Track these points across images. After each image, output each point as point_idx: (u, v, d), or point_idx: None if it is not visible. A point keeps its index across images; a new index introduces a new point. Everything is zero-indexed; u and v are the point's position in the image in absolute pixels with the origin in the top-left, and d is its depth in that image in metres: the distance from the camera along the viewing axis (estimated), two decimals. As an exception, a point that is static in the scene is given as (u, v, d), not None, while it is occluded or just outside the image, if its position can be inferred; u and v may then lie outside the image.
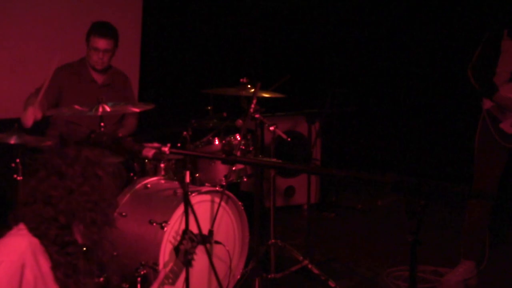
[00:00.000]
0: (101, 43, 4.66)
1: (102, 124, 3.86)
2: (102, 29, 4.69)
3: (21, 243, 2.32)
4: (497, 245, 4.71)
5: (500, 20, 4.40)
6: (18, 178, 3.97)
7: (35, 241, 2.34)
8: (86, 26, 5.61)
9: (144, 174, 4.51)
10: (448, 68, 6.57)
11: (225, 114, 4.23)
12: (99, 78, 4.82)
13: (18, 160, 3.95)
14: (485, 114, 4.39)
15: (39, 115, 4.33)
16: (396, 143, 7.05)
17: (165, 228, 3.87)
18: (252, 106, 4.09)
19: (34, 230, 2.34)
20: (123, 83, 4.97)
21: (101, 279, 2.62)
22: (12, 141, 3.86)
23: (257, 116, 4.16)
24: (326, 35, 6.93)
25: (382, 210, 6.44)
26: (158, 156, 2.17)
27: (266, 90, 4.52)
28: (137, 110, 3.90)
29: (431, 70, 6.80)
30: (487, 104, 4.40)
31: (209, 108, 4.83)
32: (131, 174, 4.48)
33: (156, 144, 2.23)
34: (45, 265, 2.35)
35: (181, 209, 3.93)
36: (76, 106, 3.99)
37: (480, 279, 4.55)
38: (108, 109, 3.86)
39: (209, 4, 6.37)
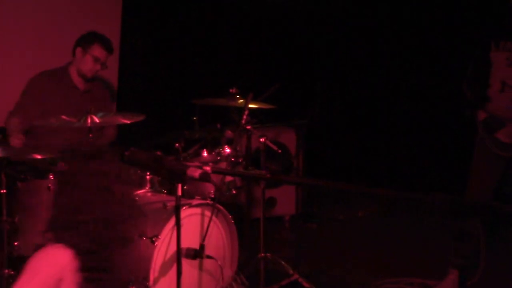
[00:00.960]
0: (103, 54, 4.67)
1: (90, 135, 3.75)
2: (108, 42, 4.73)
3: (63, 257, 2.28)
4: (491, 257, 4.69)
5: (486, 33, 4.44)
6: (1, 191, 3.84)
7: (73, 253, 2.30)
8: (64, 33, 5.57)
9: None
10: (435, 78, 6.60)
11: (218, 125, 4.15)
12: (81, 85, 4.78)
13: (1, 173, 3.82)
14: (480, 125, 4.40)
15: (22, 138, 4.39)
16: (381, 153, 7.03)
17: (156, 243, 3.78)
18: (244, 117, 4.03)
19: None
20: (102, 90, 4.98)
21: None
22: (-1, 154, 3.73)
23: (248, 127, 4.09)
24: (313, 45, 6.91)
25: (363, 221, 6.42)
26: (204, 176, 2.08)
27: (255, 101, 4.46)
28: (127, 121, 3.80)
29: (418, 81, 6.83)
30: (481, 115, 4.41)
31: (194, 118, 4.75)
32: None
33: (196, 163, 2.13)
34: (78, 280, 2.31)
35: (171, 222, 3.85)
36: (63, 116, 3.89)
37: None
38: (97, 120, 3.75)
39: (194, 13, 6.29)
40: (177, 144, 3.77)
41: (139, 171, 3.98)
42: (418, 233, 5.85)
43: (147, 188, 4.31)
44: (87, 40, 4.71)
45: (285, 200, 6.18)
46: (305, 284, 4.37)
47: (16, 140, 4.34)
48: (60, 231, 2.37)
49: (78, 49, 4.71)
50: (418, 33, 6.73)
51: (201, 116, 4.77)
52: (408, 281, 4.74)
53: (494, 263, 4.67)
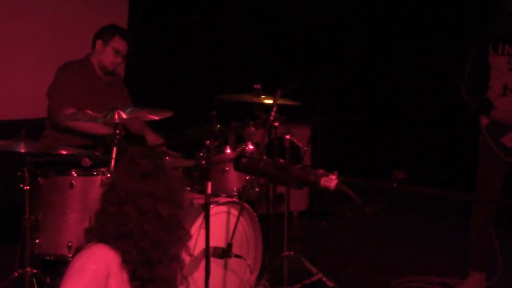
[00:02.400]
0: (125, 47, 4.58)
1: (117, 131, 3.65)
2: (129, 35, 4.66)
3: (107, 253, 2.25)
4: (509, 257, 4.67)
5: (484, 37, 4.43)
6: (25, 187, 3.74)
7: (118, 254, 2.25)
8: (71, 27, 5.48)
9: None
10: (438, 77, 6.61)
11: (251, 123, 4.06)
12: (103, 76, 4.69)
13: (25, 169, 3.71)
14: (484, 130, 4.37)
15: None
16: (387, 150, 7.03)
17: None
18: (272, 113, 3.95)
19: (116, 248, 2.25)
20: (121, 84, 4.89)
21: None
22: (21, 149, 3.62)
23: (276, 124, 4.02)
24: (326, 41, 6.89)
25: (371, 218, 6.38)
26: (340, 187, 1.99)
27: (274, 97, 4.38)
28: (156, 118, 3.71)
29: (420, 81, 6.85)
30: (484, 120, 4.38)
31: (213, 114, 4.65)
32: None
33: (321, 171, 2.04)
34: (125, 277, 2.26)
35: (199, 221, 3.78)
36: (89, 111, 3.78)
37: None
38: (124, 116, 3.65)
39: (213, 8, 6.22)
40: (207, 142, 3.68)
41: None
42: (426, 230, 5.84)
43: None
44: (108, 32, 4.61)
45: (293, 197, 6.12)
46: (329, 283, 4.31)
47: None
48: (109, 239, 2.30)
49: (99, 42, 4.60)
50: (423, 36, 6.77)
51: (219, 112, 4.70)
52: (428, 280, 4.71)
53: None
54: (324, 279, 4.31)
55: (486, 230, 4.47)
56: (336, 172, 2.04)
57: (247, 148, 4.30)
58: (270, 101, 4.36)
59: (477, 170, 4.50)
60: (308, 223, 6.03)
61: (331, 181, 2.00)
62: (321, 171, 2.05)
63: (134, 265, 2.30)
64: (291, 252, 4.37)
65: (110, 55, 4.59)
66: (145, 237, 2.30)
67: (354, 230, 6.06)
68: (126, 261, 2.30)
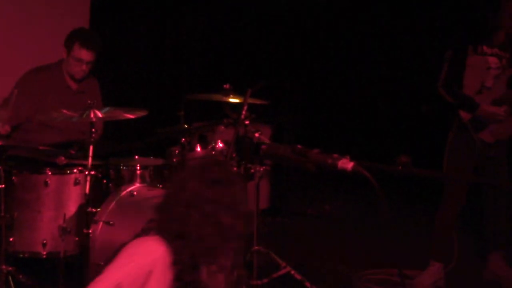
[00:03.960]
0: (86, 55, 4.40)
1: (93, 130, 3.72)
2: (89, 40, 4.42)
3: (157, 249, 2.30)
4: (465, 247, 4.91)
5: (463, 37, 4.64)
6: (0, 186, 3.77)
7: (169, 250, 2.29)
8: (35, 26, 5.47)
9: (119, 181, 4.40)
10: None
11: (225, 121, 4.17)
12: (73, 85, 4.58)
13: (0, 167, 3.75)
14: (467, 124, 4.58)
15: (8, 129, 4.14)
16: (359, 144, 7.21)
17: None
18: (243, 112, 4.07)
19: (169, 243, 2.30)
20: (95, 89, 4.75)
21: None
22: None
23: (247, 122, 4.15)
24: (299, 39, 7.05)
25: (330, 215, 6.57)
26: (357, 169, 2.10)
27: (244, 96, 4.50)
28: (132, 116, 3.78)
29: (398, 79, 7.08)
30: (465, 116, 4.60)
31: (180, 113, 4.75)
32: (104, 181, 4.36)
33: (336, 155, 2.16)
34: (168, 278, 2.30)
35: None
36: (65, 111, 3.83)
37: (448, 279, 4.74)
38: (100, 115, 3.72)
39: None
40: (183, 139, 3.78)
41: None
42: (397, 225, 6.05)
43: (137, 183, 4.33)
44: (69, 40, 4.45)
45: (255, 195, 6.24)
46: (297, 276, 4.45)
47: (5, 127, 4.08)
48: (168, 236, 2.35)
49: (64, 50, 4.47)
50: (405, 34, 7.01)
51: (186, 112, 4.79)
52: (389, 272, 4.90)
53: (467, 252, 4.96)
54: (292, 272, 4.45)
55: (451, 224, 4.68)
56: (348, 156, 2.17)
57: (216, 146, 4.41)
58: (236, 100, 4.50)
59: (445, 163, 4.68)
60: (271, 220, 6.16)
61: (348, 163, 2.12)
62: (335, 155, 2.18)
63: (182, 266, 2.32)
64: (260, 247, 4.50)
65: (74, 65, 4.44)
66: (200, 242, 2.31)
67: (314, 227, 6.23)
68: (176, 262, 2.32)
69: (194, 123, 4.65)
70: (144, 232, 2.42)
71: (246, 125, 4.17)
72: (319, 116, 6.90)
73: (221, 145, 4.42)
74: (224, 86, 4.40)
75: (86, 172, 3.64)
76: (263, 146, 2.32)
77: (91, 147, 3.69)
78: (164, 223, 2.36)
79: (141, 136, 4.90)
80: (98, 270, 3.81)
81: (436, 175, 1.94)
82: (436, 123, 5.19)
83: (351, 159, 2.15)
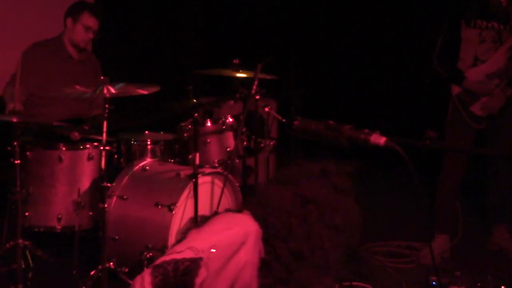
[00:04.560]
0: (94, 23, 4.61)
1: (107, 106, 3.75)
2: (97, 9, 4.65)
3: (252, 224, 2.37)
4: (468, 219, 4.99)
5: (457, 10, 4.66)
6: (16, 161, 3.81)
7: (260, 231, 2.36)
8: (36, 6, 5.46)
9: (130, 156, 4.45)
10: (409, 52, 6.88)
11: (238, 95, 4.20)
12: (75, 54, 4.75)
13: (15, 143, 3.79)
14: (455, 99, 4.65)
15: (20, 108, 4.19)
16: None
17: (174, 211, 3.85)
18: (254, 87, 4.10)
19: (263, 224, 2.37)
20: (94, 60, 4.94)
21: None
22: (13, 119, 3.69)
23: (257, 97, 4.19)
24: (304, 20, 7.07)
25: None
26: (389, 144, 2.15)
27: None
28: (145, 92, 3.82)
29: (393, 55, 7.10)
30: (456, 89, 4.66)
31: (189, 88, 4.77)
32: (115, 157, 4.41)
33: (367, 131, 2.20)
34: (256, 254, 2.37)
35: (187, 191, 3.93)
36: (78, 87, 3.86)
37: (453, 252, 4.82)
38: (113, 90, 3.75)
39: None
40: (195, 114, 3.82)
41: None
42: (389, 196, 6.12)
43: (148, 158, 4.38)
44: (76, 9, 4.65)
45: (262, 169, 6.29)
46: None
47: (16, 104, 4.14)
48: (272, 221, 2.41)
49: (69, 20, 4.65)
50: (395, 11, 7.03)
51: (194, 86, 4.82)
52: (395, 244, 4.98)
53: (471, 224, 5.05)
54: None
55: (452, 195, 4.76)
56: (378, 131, 2.22)
57: (227, 121, 4.46)
58: (244, 75, 4.54)
59: (445, 137, 4.75)
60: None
61: (380, 138, 2.17)
62: (366, 130, 2.23)
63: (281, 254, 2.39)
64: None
65: (81, 32, 4.63)
66: (308, 241, 2.39)
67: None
68: (273, 247, 2.40)
69: (200, 98, 4.70)
70: (236, 210, 2.52)
71: (256, 100, 4.20)
72: (325, 90, 6.93)
73: (231, 120, 4.46)
74: (234, 61, 4.43)
75: (101, 148, 3.67)
76: (296, 122, 2.36)
77: (105, 123, 3.72)
78: (270, 210, 2.42)
79: (149, 111, 4.93)
80: (113, 244, 3.93)
81: (464, 150, 1.98)
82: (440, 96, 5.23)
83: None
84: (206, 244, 2.33)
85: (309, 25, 7.21)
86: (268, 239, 2.43)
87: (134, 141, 4.45)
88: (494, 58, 4.59)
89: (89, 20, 4.63)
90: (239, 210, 2.56)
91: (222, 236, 2.34)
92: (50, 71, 4.59)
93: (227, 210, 2.58)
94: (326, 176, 2.47)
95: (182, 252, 2.34)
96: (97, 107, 4.76)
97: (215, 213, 2.57)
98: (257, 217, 2.44)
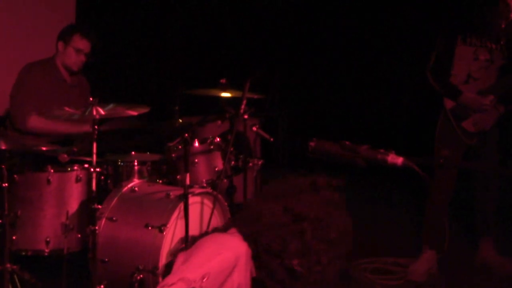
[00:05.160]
0: (86, 46, 4.62)
1: (96, 127, 3.73)
2: (88, 31, 4.65)
3: (241, 246, 2.33)
4: (456, 234, 5.03)
5: (454, 27, 4.73)
6: (3, 184, 3.76)
7: (250, 252, 2.33)
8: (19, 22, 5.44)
9: (118, 177, 4.42)
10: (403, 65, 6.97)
11: (227, 115, 4.22)
12: (68, 78, 4.75)
13: (3, 166, 3.75)
14: (448, 113, 4.69)
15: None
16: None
17: (164, 232, 3.82)
18: (242, 107, 4.12)
19: (252, 242, 2.34)
20: (85, 84, 4.93)
21: None
22: (1, 146, 3.65)
23: (245, 116, 4.19)
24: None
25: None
26: (407, 163, 2.16)
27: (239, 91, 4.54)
28: (134, 113, 3.80)
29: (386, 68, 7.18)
30: (449, 104, 4.71)
31: (176, 108, 4.77)
32: (102, 178, 4.37)
33: (382, 150, 2.21)
34: (248, 275, 2.35)
35: (177, 211, 3.91)
36: (67, 108, 3.84)
37: (440, 267, 4.85)
38: (102, 112, 3.74)
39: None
40: (186, 135, 3.81)
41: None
42: (378, 215, 6.15)
43: (135, 179, 4.35)
44: (67, 32, 4.66)
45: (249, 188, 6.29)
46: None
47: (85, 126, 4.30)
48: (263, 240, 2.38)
49: (60, 43, 4.66)
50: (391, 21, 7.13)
51: (181, 107, 4.81)
52: (382, 261, 5.00)
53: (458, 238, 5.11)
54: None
55: (442, 211, 4.80)
56: (393, 151, 2.23)
57: (214, 140, 4.44)
58: (228, 95, 4.55)
59: (435, 151, 4.78)
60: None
61: (397, 158, 2.19)
62: (382, 150, 2.24)
63: (274, 269, 2.36)
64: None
65: (72, 55, 4.64)
66: (307, 256, 2.36)
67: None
68: (266, 263, 2.37)
69: (184, 118, 4.69)
70: (224, 228, 2.49)
71: (245, 120, 4.21)
72: (310, 108, 6.97)
73: (218, 139, 4.46)
74: (221, 80, 4.44)
75: (92, 169, 3.65)
76: (311, 143, 2.37)
77: (94, 144, 3.70)
78: (262, 227, 2.39)
79: (137, 132, 4.92)
80: (103, 266, 3.89)
81: (474, 167, 2.00)
82: (421, 113, 5.30)
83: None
84: (197, 273, 2.32)
85: (293, 43, 7.26)
86: (259, 255, 2.41)
87: (121, 162, 4.42)
88: (487, 76, 4.67)
89: (80, 43, 4.64)
90: (226, 228, 2.54)
91: (213, 263, 2.32)
92: (43, 93, 4.58)
93: (215, 230, 2.53)
94: (316, 190, 2.46)
95: (174, 284, 2.33)
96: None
97: (204, 234, 2.53)
98: (247, 234, 2.43)
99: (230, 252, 2.36)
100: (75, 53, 4.62)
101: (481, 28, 4.60)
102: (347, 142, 2.30)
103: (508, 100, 4.67)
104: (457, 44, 4.66)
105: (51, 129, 4.48)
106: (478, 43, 4.62)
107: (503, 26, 4.46)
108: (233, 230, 2.46)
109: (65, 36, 4.64)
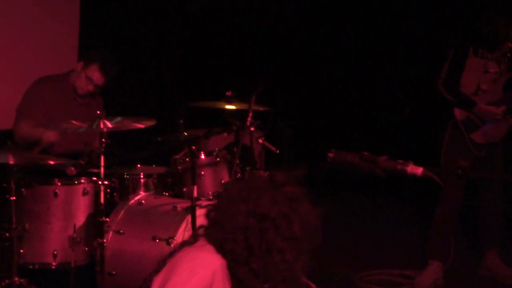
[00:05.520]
0: (99, 79, 4.50)
1: (103, 140, 3.75)
2: (108, 66, 4.49)
3: (215, 261, 2.29)
4: (461, 245, 5.03)
5: (466, 39, 4.76)
6: (11, 198, 3.78)
7: (225, 263, 2.30)
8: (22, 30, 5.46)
9: (124, 190, 4.42)
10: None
11: (234, 128, 4.24)
12: (79, 96, 4.64)
13: (11, 180, 3.76)
14: (459, 124, 4.71)
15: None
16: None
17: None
18: (249, 119, 4.13)
19: (222, 252, 2.30)
20: (99, 104, 4.78)
21: None
22: (9, 161, 3.66)
23: (252, 129, 4.21)
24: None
25: (322, 218, 6.64)
26: (427, 174, 2.17)
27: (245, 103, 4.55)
28: (141, 126, 3.82)
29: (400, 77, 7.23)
30: (461, 115, 4.72)
31: (180, 121, 4.78)
32: (108, 190, 4.37)
33: (401, 161, 2.22)
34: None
35: (184, 224, 3.92)
36: (74, 122, 3.86)
37: (446, 278, 4.85)
38: (109, 125, 3.75)
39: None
40: (193, 147, 3.83)
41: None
42: (383, 226, 6.16)
43: (141, 192, 4.36)
44: (90, 57, 4.53)
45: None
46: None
47: (51, 135, 4.28)
48: (232, 247, 2.34)
49: (80, 63, 4.54)
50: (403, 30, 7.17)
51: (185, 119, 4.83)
52: (388, 272, 5.00)
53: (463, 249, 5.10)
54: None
55: (449, 222, 4.79)
56: (411, 161, 2.24)
57: (220, 152, 4.46)
58: (232, 107, 4.56)
59: (443, 159, 4.80)
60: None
61: (417, 168, 2.20)
62: (401, 161, 2.25)
63: (242, 277, 2.33)
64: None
65: (83, 80, 4.51)
66: (269, 256, 2.30)
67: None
68: (234, 272, 2.33)
69: (188, 131, 4.70)
70: (192, 240, 2.44)
71: (251, 132, 4.23)
72: (313, 120, 7.00)
73: (224, 152, 4.47)
74: (226, 93, 4.46)
75: (100, 182, 3.66)
76: (330, 154, 2.38)
77: (102, 157, 3.72)
78: (226, 234, 2.35)
79: (141, 145, 4.93)
80: (111, 279, 3.90)
81: (492, 177, 2.02)
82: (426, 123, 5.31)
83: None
84: None
85: (295, 55, 7.30)
86: (228, 265, 2.37)
87: (127, 175, 4.43)
88: (494, 89, 4.69)
89: (94, 74, 4.48)
90: (194, 240, 2.46)
91: (191, 285, 2.27)
92: (53, 108, 4.52)
93: (184, 244, 2.45)
94: (276, 187, 2.41)
95: None
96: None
97: (174, 251, 2.46)
98: (215, 243, 2.38)
99: (205, 269, 2.29)
100: (86, 80, 4.50)
101: (490, 40, 4.61)
102: (365, 153, 2.31)
103: None
104: (469, 56, 4.69)
105: (34, 135, 4.41)
106: (489, 56, 4.65)
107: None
108: (201, 241, 2.39)
109: (85, 59, 4.54)
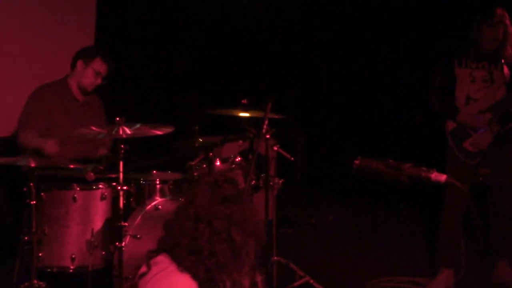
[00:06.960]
0: (105, 69, 4.68)
1: (122, 146, 3.81)
2: (109, 56, 4.70)
3: (191, 285, 2.30)
4: (472, 254, 5.06)
5: (450, 51, 4.85)
6: (31, 202, 3.84)
7: (194, 282, 2.33)
8: (40, 43, 5.52)
9: (140, 196, 4.49)
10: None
11: (250, 135, 4.30)
12: (80, 97, 4.78)
13: (31, 184, 3.83)
14: (448, 136, 4.78)
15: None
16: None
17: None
18: (264, 127, 4.19)
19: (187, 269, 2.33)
20: (98, 102, 4.96)
21: None
22: (31, 163, 3.73)
23: (268, 136, 4.27)
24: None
25: (334, 224, 6.73)
26: (450, 180, 2.23)
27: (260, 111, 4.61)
28: (159, 133, 3.89)
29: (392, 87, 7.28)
30: (450, 125, 4.79)
31: (196, 128, 4.84)
32: (125, 195, 4.42)
33: (425, 168, 2.28)
34: None
35: (200, 229, 3.96)
36: (93, 127, 3.93)
37: (457, 286, 4.88)
38: (129, 131, 3.82)
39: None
40: (210, 154, 3.89)
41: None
42: (394, 234, 6.20)
43: (157, 197, 4.42)
44: (89, 53, 4.70)
45: (262, 206, 6.35)
46: (316, 286, 4.57)
47: (52, 145, 4.37)
48: (181, 252, 2.37)
49: (80, 62, 4.68)
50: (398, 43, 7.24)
51: (200, 126, 4.89)
52: (399, 279, 5.03)
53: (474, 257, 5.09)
54: (311, 281, 4.56)
55: (456, 228, 4.82)
56: (435, 169, 2.30)
57: (236, 159, 4.52)
58: (246, 114, 4.62)
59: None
60: (282, 231, 6.28)
61: (441, 176, 2.27)
62: (424, 168, 2.31)
63: (200, 283, 2.34)
64: (280, 258, 4.61)
65: (91, 76, 4.67)
66: (212, 258, 2.34)
67: (319, 236, 6.36)
68: (193, 277, 2.34)
69: (203, 137, 4.76)
70: (155, 253, 2.45)
71: (267, 139, 4.28)
72: (326, 126, 7.06)
73: (239, 158, 4.53)
74: (242, 101, 4.52)
75: (119, 187, 3.73)
76: (356, 161, 2.44)
77: (121, 163, 3.78)
78: (176, 239, 2.37)
79: (156, 151, 4.99)
80: (126, 283, 3.95)
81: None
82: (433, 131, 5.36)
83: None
84: None
85: (308, 63, 7.37)
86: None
87: (143, 180, 4.50)
88: (487, 97, 4.74)
89: (101, 66, 4.67)
90: (157, 254, 2.48)
91: None
92: (55, 113, 4.63)
93: (148, 257, 2.47)
94: (215, 188, 2.45)
95: None
96: (103, 148, 4.82)
97: (143, 274, 2.47)
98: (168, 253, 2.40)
99: None
100: (94, 75, 4.66)
101: (474, 50, 4.69)
102: (390, 160, 2.36)
103: (505, 120, 4.73)
104: (455, 68, 4.76)
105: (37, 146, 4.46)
106: (474, 65, 4.72)
107: (494, 48, 4.59)
108: (162, 257, 2.40)
109: (86, 56, 4.67)
